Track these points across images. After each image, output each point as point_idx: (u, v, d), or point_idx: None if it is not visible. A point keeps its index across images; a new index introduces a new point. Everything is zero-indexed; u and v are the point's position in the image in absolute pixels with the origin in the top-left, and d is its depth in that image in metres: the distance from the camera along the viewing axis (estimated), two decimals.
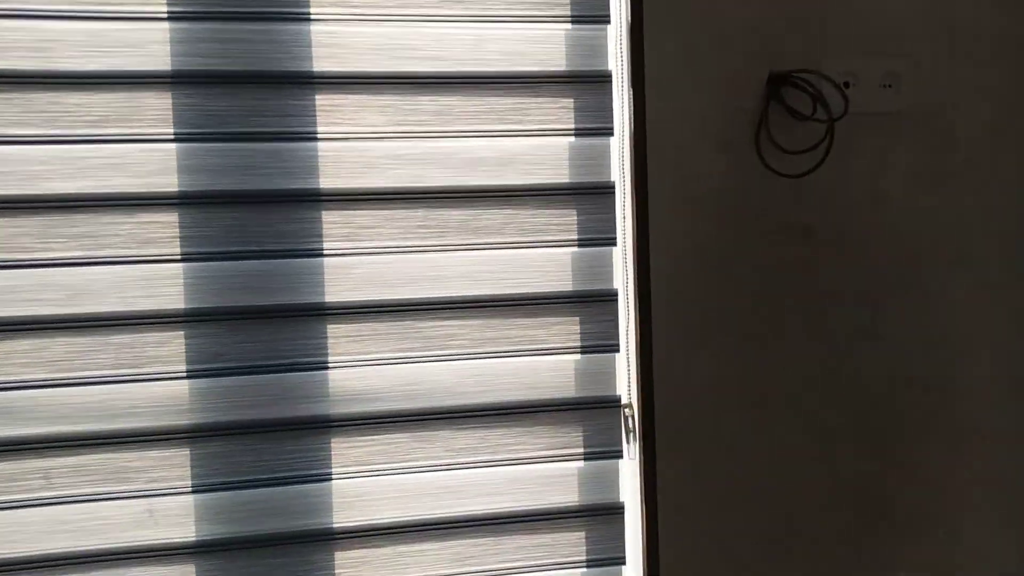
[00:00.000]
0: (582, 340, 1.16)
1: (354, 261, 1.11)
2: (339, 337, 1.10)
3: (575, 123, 1.15)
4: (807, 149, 1.15)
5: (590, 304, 1.16)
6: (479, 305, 1.13)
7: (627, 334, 1.16)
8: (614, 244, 1.17)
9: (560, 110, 1.14)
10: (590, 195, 1.15)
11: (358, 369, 1.11)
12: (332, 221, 1.10)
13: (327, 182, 1.09)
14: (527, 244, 1.14)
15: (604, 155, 1.16)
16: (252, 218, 1.07)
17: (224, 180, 1.07)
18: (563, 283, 1.15)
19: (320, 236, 1.09)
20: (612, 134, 1.16)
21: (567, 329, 1.15)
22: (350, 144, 1.09)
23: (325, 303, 1.10)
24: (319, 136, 1.08)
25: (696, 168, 1.15)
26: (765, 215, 1.17)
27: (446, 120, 1.11)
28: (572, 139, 1.15)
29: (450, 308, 1.12)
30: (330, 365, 1.10)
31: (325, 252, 1.10)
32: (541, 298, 1.14)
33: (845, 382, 1.21)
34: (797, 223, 1.18)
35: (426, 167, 1.11)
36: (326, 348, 1.10)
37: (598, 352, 1.16)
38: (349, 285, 1.11)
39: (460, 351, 1.13)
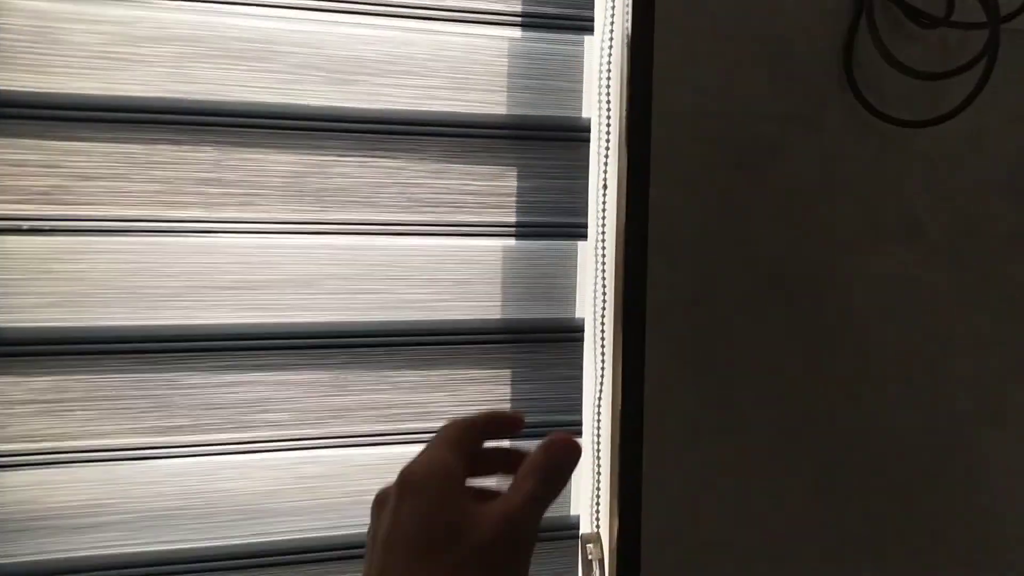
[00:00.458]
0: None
1: (24, 242, 0.65)
2: None
3: (523, 4, 0.76)
4: (942, 75, 0.74)
5: (533, 346, 0.78)
6: (312, 337, 0.73)
7: (597, 405, 0.80)
8: (583, 237, 0.80)
9: None
10: (544, 141, 0.78)
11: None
12: None
13: None
14: (417, 227, 0.75)
15: (574, 69, 0.79)
16: None
17: None
18: (485, 305, 0.77)
19: None
20: (591, 32, 0.79)
21: (488, 391, 0.77)
22: None
23: None
24: None
25: (739, 106, 0.77)
26: (848, 198, 0.80)
27: None
28: (518, 33, 0.77)
29: (245, 339, 0.70)
30: None
31: None
32: (440, 332, 0.76)
33: (962, 493, 0.83)
34: (900, 215, 0.82)
35: (199, 46, 0.68)
36: None
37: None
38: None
39: (270, 437, 0.71)
